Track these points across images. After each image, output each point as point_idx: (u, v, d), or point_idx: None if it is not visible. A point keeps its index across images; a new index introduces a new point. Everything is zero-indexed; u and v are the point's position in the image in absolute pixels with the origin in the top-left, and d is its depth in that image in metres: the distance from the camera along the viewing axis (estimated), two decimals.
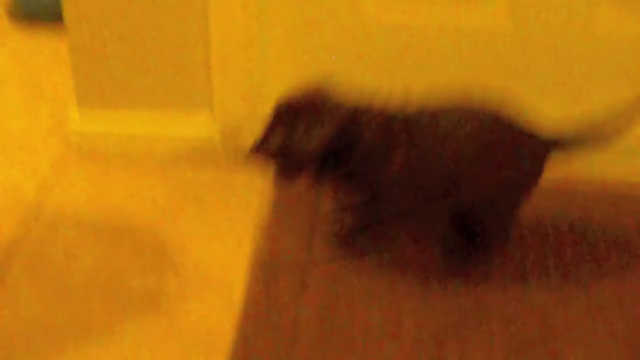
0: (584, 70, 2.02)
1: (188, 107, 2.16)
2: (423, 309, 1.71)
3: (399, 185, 1.78)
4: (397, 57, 2.08)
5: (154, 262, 1.87)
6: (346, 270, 1.83)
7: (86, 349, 1.65)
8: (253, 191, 2.09)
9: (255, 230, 1.96)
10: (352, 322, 1.68)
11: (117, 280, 1.82)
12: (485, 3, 1.99)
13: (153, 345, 1.66)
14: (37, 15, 2.88)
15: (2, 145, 2.28)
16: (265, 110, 1.97)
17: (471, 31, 2.03)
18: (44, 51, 2.74)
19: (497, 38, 2.03)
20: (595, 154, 2.02)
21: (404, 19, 2.03)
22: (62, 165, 2.18)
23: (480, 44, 2.04)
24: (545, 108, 2.04)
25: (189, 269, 1.85)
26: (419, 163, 1.75)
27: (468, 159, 1.75)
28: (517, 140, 1.78)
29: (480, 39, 2.03)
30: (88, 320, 1.72)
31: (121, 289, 1.80)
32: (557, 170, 1.95)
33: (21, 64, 2.68)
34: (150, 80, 2.14)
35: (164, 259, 1.89)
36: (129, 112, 2.16)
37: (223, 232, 1.95)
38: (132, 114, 2.17)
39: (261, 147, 1.74)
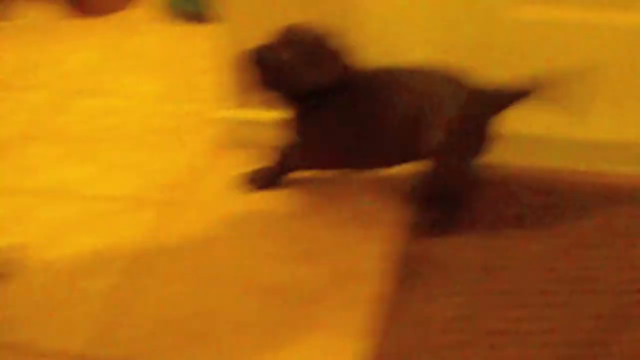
0: None
1: None
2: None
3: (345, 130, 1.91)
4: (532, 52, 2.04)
5: (293, 252, 1.87)
6: None
7: (228, 341, 1.67)
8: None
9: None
10: None
11: (257, 271, 1.83)
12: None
13: (294, 337, 1.67)
14: (187, 14, 2.95)
15: (146, 133, 2.33)
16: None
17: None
18: (188, 45, 2.80)
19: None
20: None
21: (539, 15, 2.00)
22: (206, 155, 2.22)
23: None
24: None
25: (325, 264, 1.85)
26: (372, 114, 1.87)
27: (415, 110, 1.84)
28: (460, 93, 1.86)
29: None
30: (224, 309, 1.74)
31: (261, 279, 1.81)
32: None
33: (172, 57, 2.75)
34: None
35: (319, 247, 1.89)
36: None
37: (366, 229, 1.94)
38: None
39: (264, 56, 1.84)
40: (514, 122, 2.00)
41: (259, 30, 2.03)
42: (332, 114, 1.91)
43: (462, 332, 1.65)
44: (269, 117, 2.16)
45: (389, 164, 1.99)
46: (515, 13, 2.02)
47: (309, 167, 2.05)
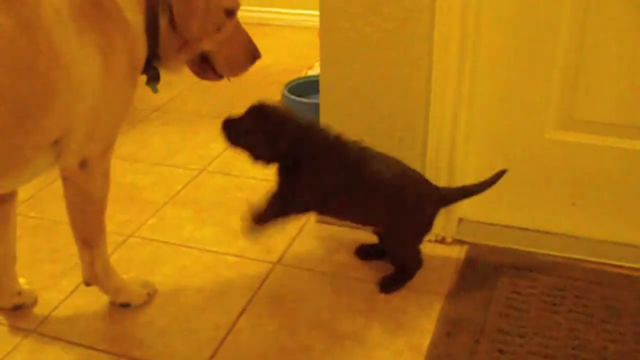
0: None
1: None
2: None
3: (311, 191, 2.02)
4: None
5: (364, 309, 1.99)
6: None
7: None
8: (445, 263, 2.16)
9: (444, 292, 2.04)
10: None
11: (333, 321, 1.94)
12: None
13: None
14: None
15: None
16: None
17: None
18: None
19: None
20: None
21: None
22: (304, 228, 2.36)
23: None
24: None
25: (389, 316, 1.96)
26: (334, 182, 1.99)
27: (374, 192, 1.98)
28: (419, 191, 2.01)
29: None
30: (309, 348, 1.87)
31: (336, 326, 1.93)
32: None
33: None
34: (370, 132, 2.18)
35: (372, 305, 2.00)
36: None
37: (418, 293, 2.04)
38: None
39: (230, 131, 2.01)
40: (537, 219, 2.13)
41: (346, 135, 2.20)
42: (302, 173, 2.00)
43: None
44: None
45: (354, 220, 2.14)
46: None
47: (286, 214, 2.08)
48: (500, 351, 1.80)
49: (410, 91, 2.13)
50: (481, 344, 1.83)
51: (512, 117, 2.12)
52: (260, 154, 2.03)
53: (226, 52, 1.95)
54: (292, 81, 3.24)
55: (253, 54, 2.01)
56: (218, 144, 2.86)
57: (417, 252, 2.07)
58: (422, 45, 2.06)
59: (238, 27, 1.97)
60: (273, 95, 3.23)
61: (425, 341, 1.86)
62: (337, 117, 2.24)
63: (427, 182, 2.05)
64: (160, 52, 1.82)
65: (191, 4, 1.77)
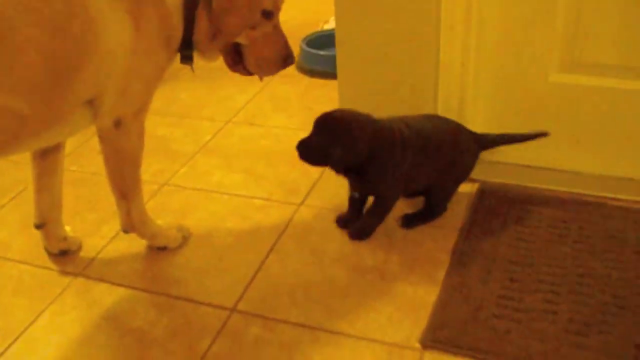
0: None
1: None
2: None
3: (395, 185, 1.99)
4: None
5: (384, 243, 2.02)
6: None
7: (330, 303, 1.84)
8: (460, 199, 2.17)
9: (458, 226, 2.07)
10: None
11: (355, 256, 1.97)
12: None
13: (376, 304, 1.82)
14: (315, 72, 3.12)
15: (286, 152, 2.45)
16: None
17: None
18: (320, 93, 2.95)
19: None
20: None
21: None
22: (325, 170, 2.37)
23: None
24: None
25: (407, 249, 1.99)
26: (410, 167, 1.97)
27: (432, 153, 1.99)
28: (461, 141, 2.05)
29: None
30: (334, 281, 1.91)
31: (358, 261, 1.96)
32: None
33: (305, 101, 2.92)
34: None
35: (391, 241, 2.03)
36: None
37: (433, 228, 2.07)
38: None
39: (303, 150, 1.92)
40: (542, 157, 2.15)
41: (361, 86, 2.26)
42: (381, 170, 1.95)
43: (504, 308, 1.74)
44: None
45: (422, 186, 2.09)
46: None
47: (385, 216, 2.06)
48: (511, 279, 1.84)
49: (420, 41, 2.15)
50: (493, 273, 1.87)
51: (518, 62, 2.13)
52: (342, 165, 1.97)
53: (258, 51, 1.92)
54: (310, 35, 3.27)
55: (285, 59, 1.97)
56: (242, 96, 2.99)
57: (450, 197, 2.13)
58: None
59: (277, 29, 1.94)
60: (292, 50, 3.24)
61: (441, 272, 1.90)
62: (352, 68, 2.27)
63: (470, 131, 2.10)
64: (195, 37, 1.82)
65: (233, 0, 1.78)
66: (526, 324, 1.70)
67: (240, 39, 1.89)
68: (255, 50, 1.92)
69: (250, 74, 1.98)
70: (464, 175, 2.12)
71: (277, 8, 1.90)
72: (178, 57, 1.88)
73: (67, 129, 1.73)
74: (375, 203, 2.04)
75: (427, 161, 2.01)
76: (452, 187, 2.12)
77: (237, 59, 1.96)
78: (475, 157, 2.11)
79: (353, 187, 2.06)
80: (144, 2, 1.68)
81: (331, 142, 1.89)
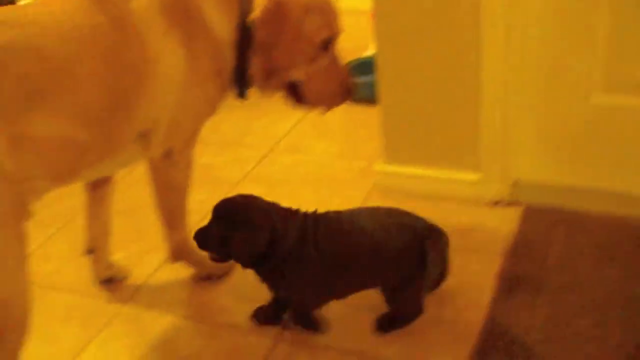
0: None
1: (457, 167, 2.28)
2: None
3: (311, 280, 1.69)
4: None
5: None
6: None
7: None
8: (503, 223, 2.16)
9: (502, 251, 2.04)
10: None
11: None
12: None
13: (421, 329, 1.81)
14: (357, 98, 3.03)
15: (329, 179, 2.54)
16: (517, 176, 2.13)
17: None
18: (360, 119, 2.95)
19: None
20: None
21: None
22: (368, 197, 2.39)
23: None
24: None
25: (451, 275, 1.92)
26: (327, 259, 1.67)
27: (371, 252, 1.68)
28: (411, 243, 1.69)
29: None
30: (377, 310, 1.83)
31: None
32: None
33: (346, 128, 2.94)
34: (432, 147, 2.29)
35: None
36: (417, 168, 2.34)
37: (478, 253, 2.05)
38: (420, 170, 2.34)
39: (201, 239, 1.71)
40: (588, 179, 2.11)
41: (402, 111, 2.26)
42: (298, 264, 1.68)
43: (552, 333, 1.71)
44: (415, 172, 2.33)
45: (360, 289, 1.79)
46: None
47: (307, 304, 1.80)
48: (558, 304, 1.82)
49: (461, 65, 2.15)
50: (539, 297, 1.85)
51: (559, 83, 2.11)
52: (243, 256, 1.71)
53: (317, 85, 1.83)
54: (350, 62, 3.26)
55: (347, 91, 1.88)
56: (284, 123, 3.00)
57: (419, 300, 1.80)
58: (470, 19, 2.08)
59: (335, 59, 1.84)
60: None
61: (486, 297, 1.88)
62: (393, 93, 2.28)
63: (416, 225, 1.75)
64: (251, 73, 1.80)
65: (278, 32, 1.71)
66: (575, 349, 1.68)
67: (297, 75, 1.83)
68: (314, 85, 1.83)
69: (313, 107, 1.92)
70: (418, 277, 1.74)
71: (336, 34, 1.81)
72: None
73: (121, 161, 1.76)
74: (292, 306, 1.83)
75: (351, 265, 1.71)
76: (408, 289, 1.76)
77: (296, 95, 1.88)
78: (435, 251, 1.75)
79: (265, 283, 1.80)
80: (196, 36, 1.71)
81: (230, 230, 1.67)
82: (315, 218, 1.73)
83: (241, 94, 1.86)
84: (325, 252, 1.68)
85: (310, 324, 1.82)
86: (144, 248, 2.28)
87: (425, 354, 1.73)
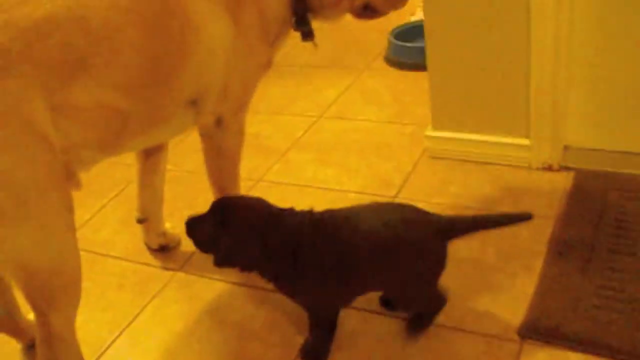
0: None
1: (507, 132, 2.26)
2: None
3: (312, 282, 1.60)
4: None
5: (478, 234, 1.86)
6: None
7: None
8: (553, 188, 2.14)
9: (554, 216, 2.02)
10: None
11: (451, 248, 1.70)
12: None
13: (473, 296, 1.82)
14: (404, 64, 3.10)
15: (378, 145, 2.53)
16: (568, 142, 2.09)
17: None
18: (409, 85, 2.94)
19: None
20: None
21: None
22: (418, 163, 2.39)
23: None
24: None
25: (503, 240, 1.95)
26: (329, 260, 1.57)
27: (374, 253, 1.56)
28: (419, 236, 1.57)
29: None
30: None
31: (454, 251, 1.72)
32: None
33: (395, 94, 2.91)
34: (482, 112, 2.27)
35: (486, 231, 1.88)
36: (467, 134, 2.33)
37: (533, 221, 1.97)
38: (470, 135, 2.33)
39: (191, 227, 1.65)
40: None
41: (451, 76, 2.25)
42: (305, 266, 1.58)
43: (605, 298, 1.69)
44: (465, 137, 2.32)
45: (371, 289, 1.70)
46: None
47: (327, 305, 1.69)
48: (612, 269, 1.80)
49: (511, 27, 2.11)
50: (592, 263, 1.83)
51: (612, 46, 2.06)
52: (230, 259, 1.62)
53: None
54: (397, 27, 3.26)
55: None
56: (332, 90, 3.00)
57: (437, 291, 1.70)
58: None
59: None
60: (380, 43, 3.25)
61: (538, 263, 1.86)
62: (442, 58, 2.26)
63: (430, 223, 1.62)
64: (316, 3, 1.81)
65: None
66: (628, 314, 1.66)
67: None
68: None
69: (375, 16, 1.95)
70: (425, 272, 1.64)
71: None
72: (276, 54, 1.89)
73: (171, 129, 1.77)
74: (309, 316, 1.73)
75: (363, 266, 1.59)
76: (419, 291, 1.68)
77: (371, 9, 1.93)
78: (437, 253, 1.63)
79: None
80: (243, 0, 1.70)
81: (218, 229, 1.60)
82: (314, 221, 1.62)
83: (307, 34, 1.85)
84: (324, 253, 1.58)
85: (321, 353, 1.71)
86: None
87: (479, 319, 1.73)
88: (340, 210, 1.65)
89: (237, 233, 1.58)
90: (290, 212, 1.64)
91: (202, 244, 1.65)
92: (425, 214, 1.63)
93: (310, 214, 1.64)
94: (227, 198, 1.69)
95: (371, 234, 1.57)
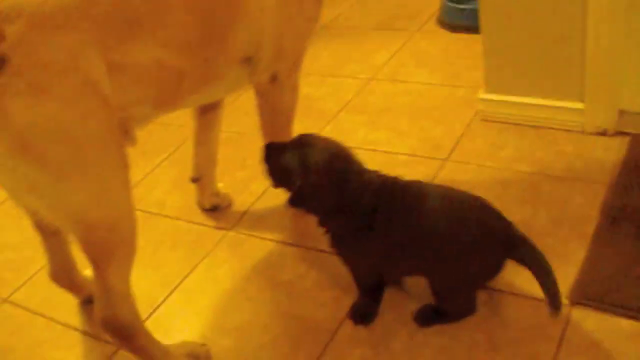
0: None
1: (561, 96, 2.23)
2: None
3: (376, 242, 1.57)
4: None
5: (531, 198, 1.98)
6: None
7: None
8: (608, 153, 2.11)
9: (607, 182, 1.99)
10: None
11: (504, 209, 1.66)
12: None
13: None
14: (457, 26, 3.07)
15: (430, 108, 2.52)
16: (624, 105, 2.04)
17: None
18: (462, 48, 2.91)
19: None
20: None
21: None
22: (470, 126, 2.38)
23: None
24: None
25: (555, 205, 1.94)
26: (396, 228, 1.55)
27: (442, 240, 1.53)
28: (485, 235, 1.52)
29: None
30: None
31: (506, 215, 1.72)
32: None
33: (447, 56, 2.89)
34: (536, 76, 2.24)
35: (538, 195, 1.98)
36: (520, 97, 2.30)
37: (582, 183, 2.01)
38: (523, 98, 2.30)
39: (268, 153, 1.64)
40: None
41: (505, 39, 2.22)
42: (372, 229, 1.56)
43: None
44: (518, 101, 2.29)
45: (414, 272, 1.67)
46: None
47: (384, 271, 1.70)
48: None
49: None
50: None
51: None
52: (302, 201, 1.59)
53: None
54: None
55: None
56: (383, 53, 2.98)
57: (474, 299, 1.68)
58: None
59: None
60: (433, 4, 3.22)
61: (590, 228, 1.85)
62: (496, 21, 2.23)
63: (499, 226, 1.57)
64: None
65: None
66: None
67: None
68: None
69: None
70: (476, 276, 1.61)
71: None
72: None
73: (226, 86, 1.78)
74: (354, 280, 1.73)
75: (417, 242, 1.57)
76: (460, 288, 1.64)
77: None
78: (494, 261, 1.57)
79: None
80: None
81: (297, 166, 1.56)
82: (392, 187, 1.60)
83: None
84: (395, 225, 1.56)
85: (365, 314, 1.72)
86: (248, 176, 2.33)
87: (525, 283, 1.71)
88: (421, 186, 1.61)
89: (315, 177, 1.55)
90: (372, 172, 1.62)
91: (275, 175, 1.64)
92: (503, 221, 1.57)
93: (394, 179, 1.62)
94: (311, 135, 1.62)
95: (447, 221, 1.54)
